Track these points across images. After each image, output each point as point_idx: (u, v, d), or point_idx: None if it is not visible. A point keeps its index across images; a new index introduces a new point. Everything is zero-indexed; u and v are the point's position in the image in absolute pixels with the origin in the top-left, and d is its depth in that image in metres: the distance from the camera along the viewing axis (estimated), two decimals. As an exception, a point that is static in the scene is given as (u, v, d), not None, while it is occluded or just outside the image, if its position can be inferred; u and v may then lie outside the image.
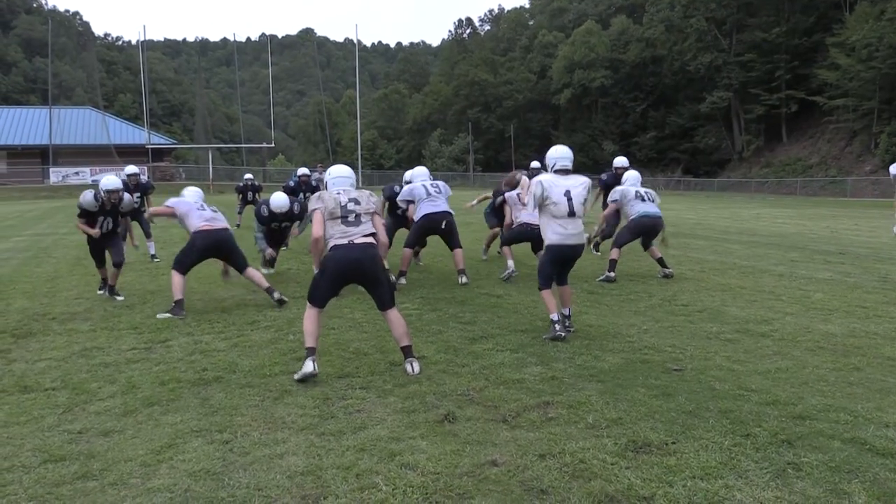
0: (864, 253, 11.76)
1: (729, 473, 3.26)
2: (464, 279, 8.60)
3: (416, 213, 8.80)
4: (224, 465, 3.45)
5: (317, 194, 5.10)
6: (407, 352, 4.98)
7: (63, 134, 47.42)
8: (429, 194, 8.76)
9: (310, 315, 4.90)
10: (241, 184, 18.22)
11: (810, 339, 5.77)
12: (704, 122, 56.76)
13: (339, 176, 5.20)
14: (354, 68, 49.13)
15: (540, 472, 3.30)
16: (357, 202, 4.99)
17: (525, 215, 8.83)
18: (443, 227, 8.72)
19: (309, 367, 4.71)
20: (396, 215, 9.66)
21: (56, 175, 44.94)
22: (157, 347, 5.74)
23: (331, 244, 4.93)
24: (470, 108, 69.09)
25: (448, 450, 3.59)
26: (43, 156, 46.71)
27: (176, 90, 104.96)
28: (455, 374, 4.90)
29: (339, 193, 5.03)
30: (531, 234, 8.67)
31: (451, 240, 8.82)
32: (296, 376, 4.75)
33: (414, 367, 4.92)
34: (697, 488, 3.11)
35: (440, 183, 9.05)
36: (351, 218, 4.93)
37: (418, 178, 9.06)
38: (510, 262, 8.94)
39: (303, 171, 14.97)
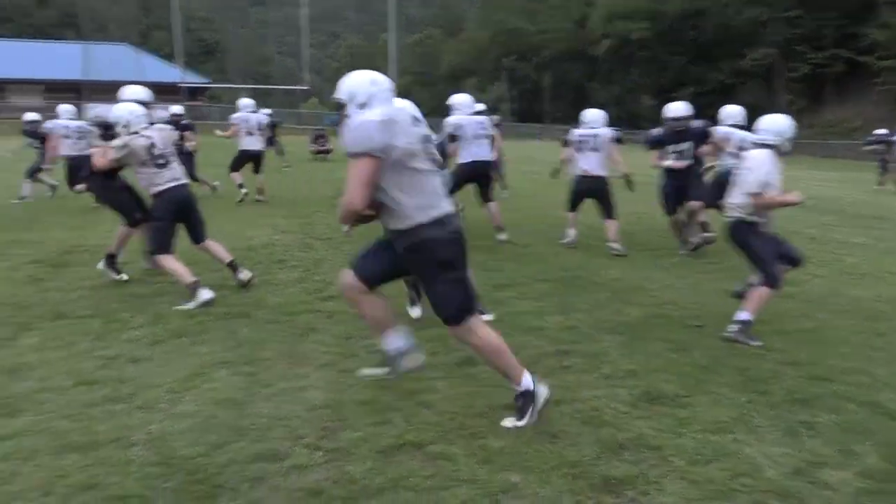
0: (900, 219, 11.53)
1: (740, 428, 3.30)
2: (503, 236, 7.99)
3: (462, 155, 7.70)
4: (247, 396, 3.57)
5: None
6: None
7: (97, 70, 47.60)
8: (476, 135, 7.76)
9: None
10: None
11: (837, 303, 5.73)
12: (746, 79, 55.17)
13: None
14: (391, 11, 48.37)
15: (553, 416, 3.37)
16: None
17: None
18: (486, 175, 7.93)
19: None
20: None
21: (91, 111, 45.25)
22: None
23: None
24: (505, 57, 67.93)
25: (465, 391, 3.68)
26: (77, 91, 47.03)
27: (210, 28, 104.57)
28: (476, 319, 4.96)
29: None
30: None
31: (488, 191, 8.01)
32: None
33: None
34: (707, 441, 3.16)
35: (485, 120, 8.06)
36: None
37: (465, 108, 7.89)
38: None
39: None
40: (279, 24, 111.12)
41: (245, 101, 11.52)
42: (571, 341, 4.51)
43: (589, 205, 7.75)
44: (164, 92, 45.40)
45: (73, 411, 3.39)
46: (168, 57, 55.86)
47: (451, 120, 7.78)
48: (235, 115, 11.27)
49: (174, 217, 5.42)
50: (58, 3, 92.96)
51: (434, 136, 3.55)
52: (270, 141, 18.26)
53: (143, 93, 6.11)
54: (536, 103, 67.85)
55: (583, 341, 4.52)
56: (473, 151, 7.68)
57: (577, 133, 7.60)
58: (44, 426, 3.24)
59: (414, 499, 2.69)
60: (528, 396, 3.29)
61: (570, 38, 67.89)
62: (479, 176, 7.86)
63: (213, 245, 5.73)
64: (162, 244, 5.34)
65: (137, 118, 5.38)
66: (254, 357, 4.13)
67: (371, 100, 3.21)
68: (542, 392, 3.34)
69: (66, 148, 10.39)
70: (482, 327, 3.36)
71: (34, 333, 4.53)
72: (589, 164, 7.53)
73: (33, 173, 11.55)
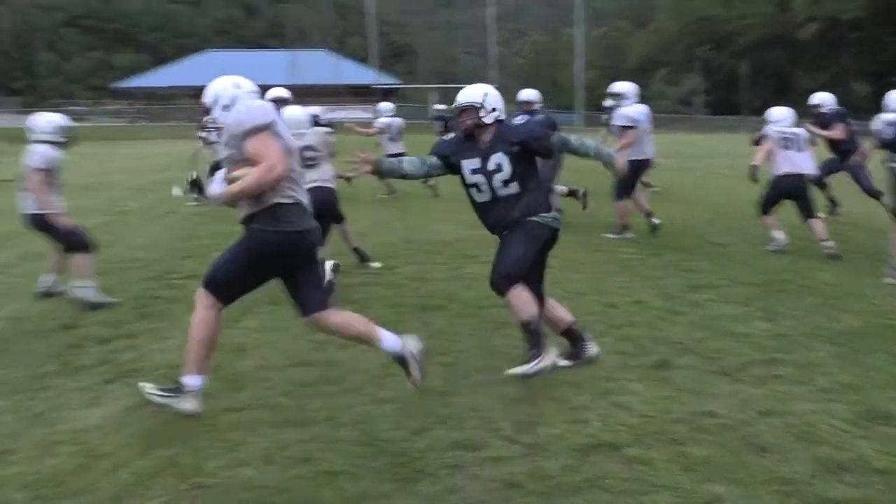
0: None
1: None
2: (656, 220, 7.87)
3: (635, 151, 7.38)
4: (445, 385, 3.70)
5: None
6: None
7: (301, 75, 51.34)
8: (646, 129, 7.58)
9: None
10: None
11: None
12: (984, 60, 48.46)
13: None
14: (577, 5, 47.81)
15: (761, 428, 3.17)
16: None
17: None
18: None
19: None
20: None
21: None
22: (386, 273, 6.20)
23: None
24: (698, 46, 64.61)
25: (662, 395, 3.56)
26: (284, 94, 50.95)
27: (401, 32, 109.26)
28: (672, 321, 4.78)
29: None
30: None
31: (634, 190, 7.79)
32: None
33: None
34: (946, 468, 2.82)
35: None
36: None
37: (635, 95, 7.77)
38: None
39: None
40: (465, 25, 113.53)
41: (385, 105, 11.72)
42: (781, 350, 4.21)
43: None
44: (359, 93, 48.23)
45: (290, 389, 3.69)
46: (362, 60, 59.00)
47: (630, 112, 7.58)
48: (379, 121, 11.51)
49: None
50: (265, 15, 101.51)
51: None
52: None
53: (284, 92, 6.88)
54: (732, 94, 63.81)
55: (794, 350, 4.20)
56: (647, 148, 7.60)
57: (776, 130, 7.03)
58: (264, 401, 3.56)
59: (611, 500, 2.65)
60: (402, 360, 3.46)
61: (770, 23, 63.12)
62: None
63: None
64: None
65: (298, 124, 5.63)
66: (449, 348, 4.27)
67: (234, 101, 3.37)
68: (410, 345, 3.49)
69: None
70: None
71: (254, 316, 4.98)
72: (793, 163, 6.96)
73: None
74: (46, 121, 5.36)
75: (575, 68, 53.90)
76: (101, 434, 3.25)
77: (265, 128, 3.22)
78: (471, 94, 3.79)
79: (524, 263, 3.64)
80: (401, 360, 3.46)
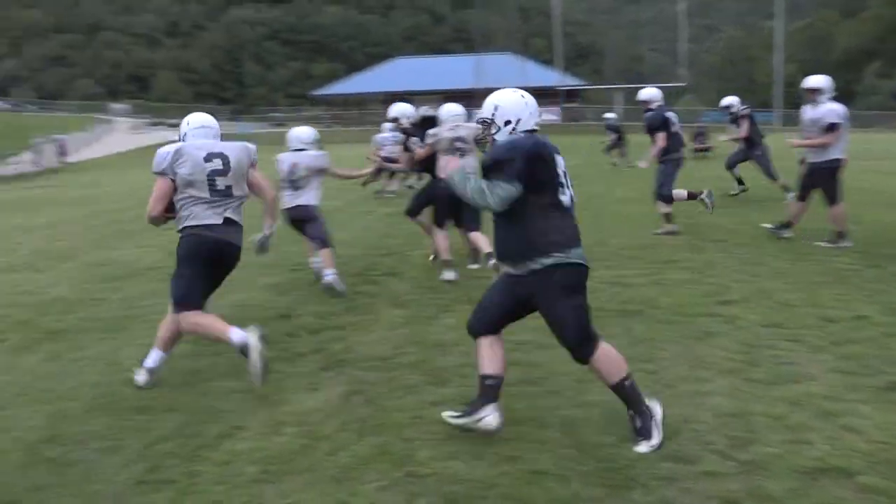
0: None
1: None
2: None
3: (833, 150, 6.89)
4: (651, 394, 3.58)
5: None
6: None
7: (487, 78, 52.17)
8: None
9: None
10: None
11: None
12: None
13: None
14: (777, -3, 44.66)
15: None
16: None
17: None
18: None
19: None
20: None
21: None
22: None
23: None
24: (920, 34, 58.03)
25: (897, 420, 3.22)
26: (470, 97, 52.09)
27: (585, 32, 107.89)
28: (904, 339, 4.32)
29: None
30: None
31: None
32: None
33: None
34: None
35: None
36: None
37: (831, 90, 7.14)
38: None
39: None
40: (651, 22, 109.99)
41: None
42: None
43: None
44: (543, 95, 48.15)
45: (493, 387, 3.75)
46: (546, 62, 58.91)
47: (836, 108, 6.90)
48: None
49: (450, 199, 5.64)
50: (450, 21, 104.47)
51: None
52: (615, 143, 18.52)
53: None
54: (962, 86, 56.79)
55: None
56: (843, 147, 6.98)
57: None
58: (468, 398, 3.62)
59: (845, 531, 2.44)
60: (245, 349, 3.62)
61: None
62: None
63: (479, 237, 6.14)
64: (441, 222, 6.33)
65: (455, 116, 6.31)
66: (652, 356, 4.14)
67: (185, 136, 4.11)
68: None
69: None
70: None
71: (451, 314, 5.13)
72: None
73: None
74: (307, 132, 6.27)
75: (774, 62, 50.21)
76: (321, 418, 3.49)
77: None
78: (484, 106, 3.26)
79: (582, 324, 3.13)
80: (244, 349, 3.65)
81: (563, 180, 3.14)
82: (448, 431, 3.24)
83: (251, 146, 4.22)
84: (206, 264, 3.94)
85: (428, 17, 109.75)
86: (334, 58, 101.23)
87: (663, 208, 8.02)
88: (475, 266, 6.55)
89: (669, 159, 7.98)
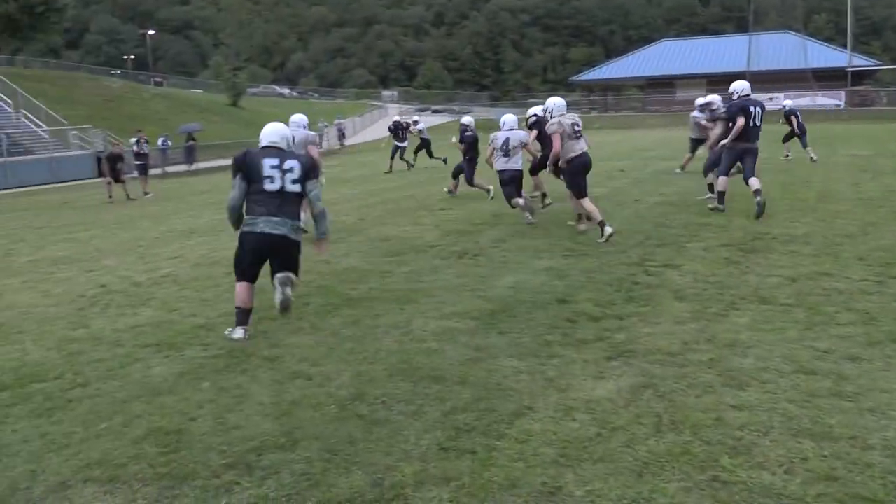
0: None
1: None
2: None
3: None
4: None
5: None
6: None
7: (761, 60, 48.19)
8: None
9: None
10: None
11: None
12: None
13: None
14: None
15: None
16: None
17: None
18: None
19: None
20: None
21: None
22: (890, 282, 5.45)
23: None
24: None
25: None
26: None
27: (877, 4, 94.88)
28: None
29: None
30: None
31: None
32: None
33: None
34: None
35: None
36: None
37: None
38: None
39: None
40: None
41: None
42: None
43: None
44: (826, 78, 43.51)
45: (798, 397, 3.46)
46: (828, 40, 53.11)
47: None
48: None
49: (582, 172, 7.78)
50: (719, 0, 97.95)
51: None
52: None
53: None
54: None
55: None
56: None
57: None
58: (771, 405, 3.39)
59: None
60: None
61: None
62: None
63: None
64: (582, 190, 7.73)
65: (559, 107, 7.96)
66: None
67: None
68: None
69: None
70: None
71: (742, 313, 4.82)
72: None
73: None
74: (510, 118, 9.14)
75: None
76: (612, 407, 3.46)
77: None
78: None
79: None
80: None
81: None
82: (753, 439, 3.05)
83: None
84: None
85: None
86: (593, 42, 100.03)
87: None
88: None
89: None
